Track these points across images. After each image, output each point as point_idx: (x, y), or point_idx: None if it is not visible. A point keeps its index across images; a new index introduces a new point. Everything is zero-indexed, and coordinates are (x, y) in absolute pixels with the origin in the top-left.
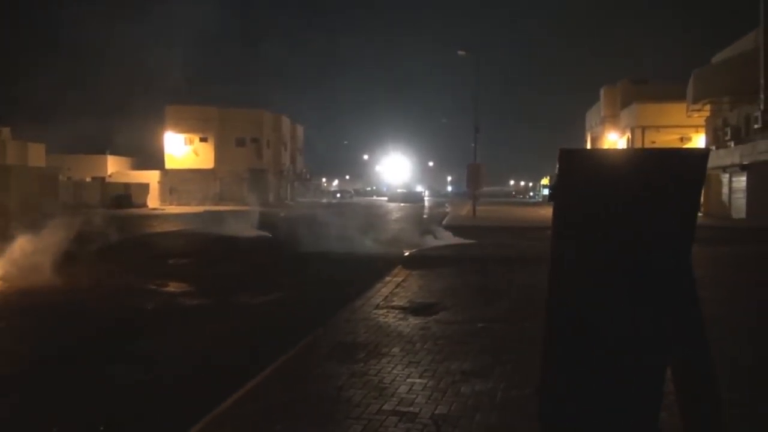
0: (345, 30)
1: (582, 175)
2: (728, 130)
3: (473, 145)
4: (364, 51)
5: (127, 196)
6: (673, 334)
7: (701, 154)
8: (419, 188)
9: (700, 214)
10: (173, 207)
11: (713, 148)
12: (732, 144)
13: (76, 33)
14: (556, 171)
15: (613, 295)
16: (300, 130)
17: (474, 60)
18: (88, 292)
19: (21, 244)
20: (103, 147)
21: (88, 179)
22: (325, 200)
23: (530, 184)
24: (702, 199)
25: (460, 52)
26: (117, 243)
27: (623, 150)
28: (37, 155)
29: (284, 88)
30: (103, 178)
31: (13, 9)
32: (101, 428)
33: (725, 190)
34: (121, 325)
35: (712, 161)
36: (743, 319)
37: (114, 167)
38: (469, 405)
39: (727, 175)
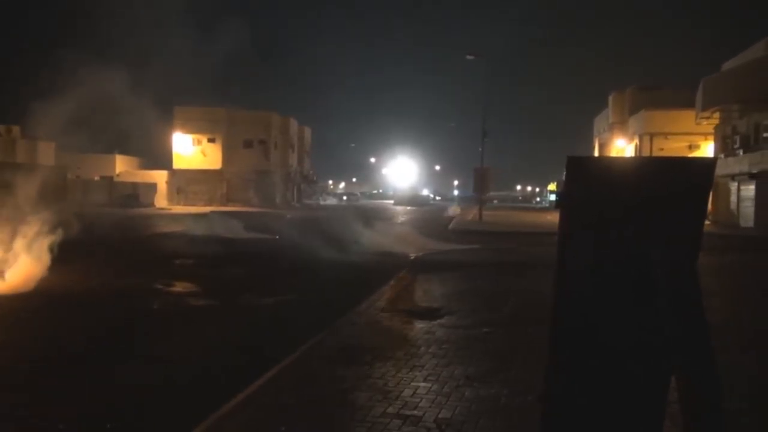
0: (354, 33)
1: (589, 182)
2: (737, 138)
3: (480, 149)
4: (372, 54)
5: (134, 196)
6: (677, 342)
7: (708, 163)
8: (426, 192)
9: (707, 223)
10: (180, 207)
11: (722, 156)
12: (741, 152)
13: (87, 32)
14: (564, 177)
15: (618, 302)
16: (308, 132)
17: (482, 64)
18: (94, 292)
19: (27, 244)
20: (112, 146)
21: (96, 178)
22: (324, 202)
23: (537, 190)
24: (710, 207)
25: (469, 56)
26: (124, 242)
27: (631, 158)
28: (46, 154)
29: (292, 90)
30: (111, 178)
31: (23, 7)
32: (108, 426)
33: (733, 198)
34: (127, 325)
35: (721, 169)
36: (748, 328)
37: (122, 167)
38: (472, 410)
39: (735, 184)
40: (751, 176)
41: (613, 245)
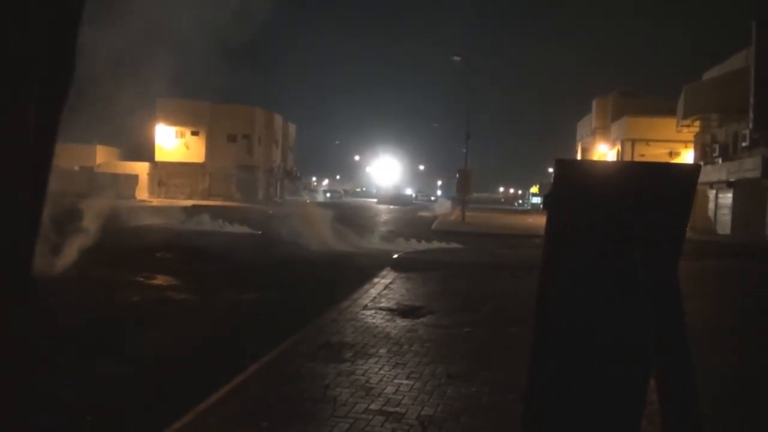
0: (340, 31)
1: (577, 185)
2: (716, 147)
3: (464, 150)
4: (358, 52)
5: (114, 187)
6: (657, 343)
7: (693, 169)
8: (409, 191)
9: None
10: (161, 200)
11: (701, 163)
12: (719, 160)
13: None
14: (552, 179)
15: (601, 303)
16: (292, 128)
17: (468, 66)
18: (73, 283)
19: None
20: (92, 137)
21: (76, 168)
22: (311, 199)
23: (519, 192)
24: None
25: (455, 58)
26: (105, 234)
27: (618, 161)
28: None
29: (277, 86)
30: (91, 168)
31: None
32: (88, 418)
33: (711, 205)
34: (106, 317)
35: (700, 177)
36: (724, 331)
37: (102, 157)
38: (454, 407)
39: (713, 191)
40: (729, 184)
41: (599, 247)
